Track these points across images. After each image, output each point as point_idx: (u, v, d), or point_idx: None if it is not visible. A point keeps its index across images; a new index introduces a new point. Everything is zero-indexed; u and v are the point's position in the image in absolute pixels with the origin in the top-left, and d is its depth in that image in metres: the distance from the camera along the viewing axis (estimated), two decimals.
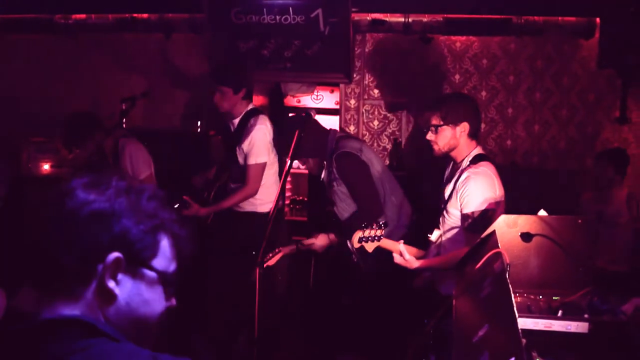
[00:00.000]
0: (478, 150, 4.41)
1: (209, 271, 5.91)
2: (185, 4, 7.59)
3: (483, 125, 7.81)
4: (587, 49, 7.63)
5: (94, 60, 8.47)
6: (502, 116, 7.87)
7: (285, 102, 9.80)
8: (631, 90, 7.42)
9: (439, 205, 4.55)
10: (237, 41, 7.47)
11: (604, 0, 6.73)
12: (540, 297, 3.52)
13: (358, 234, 4.38)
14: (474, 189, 4.17)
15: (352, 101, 8.09)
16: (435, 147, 4.43)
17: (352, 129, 8.05)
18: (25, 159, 7.58)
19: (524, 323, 3.09)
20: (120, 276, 1.66)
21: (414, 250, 4.48)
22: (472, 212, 4.18)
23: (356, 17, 7.37)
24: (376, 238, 4.35)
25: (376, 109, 8.04)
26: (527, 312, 3.33)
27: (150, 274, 1.71)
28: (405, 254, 4.28)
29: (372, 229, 4.35)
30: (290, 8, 7.15)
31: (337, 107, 8.74)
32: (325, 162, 5.35)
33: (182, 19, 7.80)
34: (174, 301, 1.81)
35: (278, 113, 8.79)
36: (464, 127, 4.34)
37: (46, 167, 7.57)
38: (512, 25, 7.35)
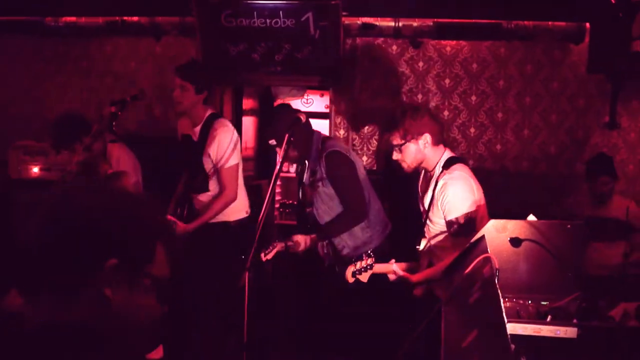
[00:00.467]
0: (448, 154, 4.45)
1: (189, 285, 5.81)
2: (175, 7, 7.57)
3: (473, 130, 7.82)
4: (577, 54, 7.64)
5: (83, 63, 8.44)
6: (492, 121, 7.88)
7: (275, 105, 9.79)
8: (621, 95, 7.44)
9: (421, 216, 4.57)
10: (227, 44, 7.46)
11: (594, 5, 6.74)
12: (529, 302, 3.53)
13: (350, 269, 4.43)
14: (453, 195, 4.20)
15: (342, 105, 8.08)
16: (404, 165, 4.50)
17: (342, 132, 8.05)
18: (14, 162, 7.54)
19: (513, 328, 3.09)
20: (116, 282, 1.65)
21: (405, 265, 4.50)
22: (457, 218, 4.20)
23: (346, 21, 7.36)
24: (369, 267, 4.41)
25: (366, 113, 8.03)
26: (516, 317, 3.33)
27: (146, 280, 1.71)
28: (399, 272, 4.34)
29: (361, 260, 4.43)
30: (281, 12, 7.14)
31: (327, 110, 8.74)
32: (307, 163, 5.31)
33: (172, 22, 7.78)
34: (166, 308, 1.81)
35: (269, 117, 8.78)
36: (426, 138, 4.39)
37: (35, 170, 7.53)
38: (502, 30, 7.36)
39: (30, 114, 8.31)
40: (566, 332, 3.14)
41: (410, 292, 4.68)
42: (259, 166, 9.68)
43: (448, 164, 4.35)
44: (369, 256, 4.41)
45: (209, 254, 5.74)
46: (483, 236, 3.39)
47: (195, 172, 5.84)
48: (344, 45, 7.59)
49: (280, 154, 4.96)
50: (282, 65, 7.51)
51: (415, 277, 4.33)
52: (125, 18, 7.84)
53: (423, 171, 4.61)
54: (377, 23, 7.48)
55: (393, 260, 4.42)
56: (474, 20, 7.41)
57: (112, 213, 1.67)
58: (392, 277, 4.42)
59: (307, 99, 9.91)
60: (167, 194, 6.02)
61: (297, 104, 9.87)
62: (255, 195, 7.65)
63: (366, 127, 8.06)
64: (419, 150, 4.40)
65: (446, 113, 7.86)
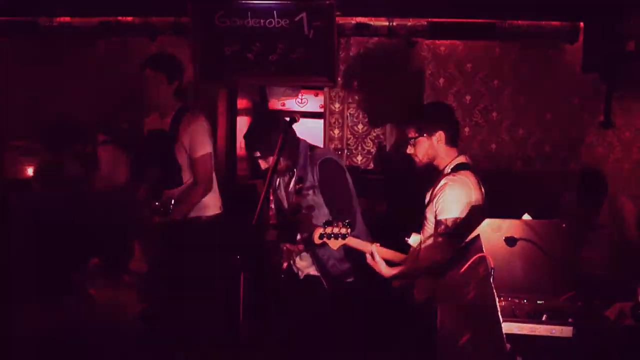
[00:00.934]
0: (461, 159, 4.42)
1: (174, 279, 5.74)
2: (169, 8, 7.56)
3: (467, 130, 7.83)
4: (571, 54, 7.65)
5: (78, 63, 8.42)
6: (487, 120, 7.88)
7: (270, 105, 9.79)
8: (615, 94, 7.45)
9: (422, 211, 4.56)
10: (221, 45, 7.46)
11: (588, 5, 6.75)
12: (525, 301, 3.52)
13: (319, 231, 4.28)
14: (449, 196, 4.18)
15: (337, 104, 8.08)
16: (416, 159, 4.48)
17: (336, 132, 8.05)
18: (8, 162, 7.53)
19: (509, 327, 3.09)
20: (99, 281, 1.67)
21: (390, 253, 4.43)
22: (446, 219, 4.18)
23: (341, 20, 7.36)
24: (340, 235, 4.29)
25: (361, 113, 8.04)
26: (512, 316, 3.33)
27: (126, 276, 1.73)
28: (375, 256, 4.24)
29: (335, 226, 4.28)
30: (275, 12, 7.14)
31: (322, 110, 8.74)
32: (295, 170, 5.16)
33: (166, 22, 7.77)
34: (145, 303, 1.83)
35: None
36: (440, 135, 4.37)
37: (30, 170, 7.51)
38: (496, 30, 7.37)
39: (25, 115, 8.29)
40: (562, 331, 3.13)
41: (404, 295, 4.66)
42: (253, 165, 9.67)
43: (457, 168, 4.34)
44: (344, 225, 4.30)
45: (184, 248, 5.66)
46: (478, 235, 3.39)
47: (168, 166, 5.71)
48: (338, 45, 7.59)
49: (263, 165, 4.92)
50: (277, 65, 7.50)
51: (387, 270, 4.26)
52: (119, 18, 7.84)
53: (435, 172, 4.59)
54: (371, 23, 7.48)
55: (377, 244, 4.34)
56: (468, 20, 7.42)
57: (90, 215, 1.69)
58: (368, 258, 4.32)
59: (301, 99, 9.91)
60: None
61: (292, 103, 9.88)
62: (250, 195, 7.65)
63: (361, 127, 8.06)
64: (431, 146, 4.39)
65: None
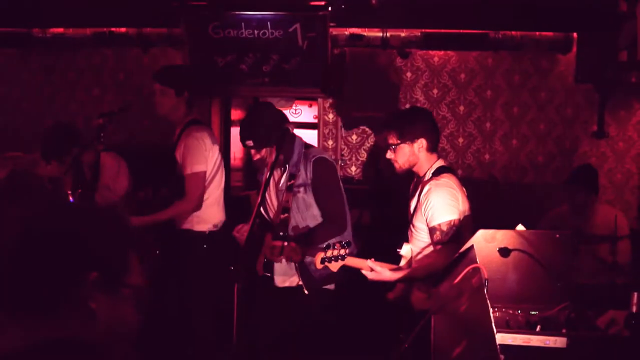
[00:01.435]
0: (440, 163, 4.44)
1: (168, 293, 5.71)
2: (163, 19, 7.55)
3: (461, 140, 7.84)
4: (564, 64, 7.68)
5: (71, 74, 8.43)
6: (480, 131, 7.90)
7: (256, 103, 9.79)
8: (608, 104, 7.47)
9: (407, 220, 4.55)
10: (215, 56, 7.45)
11: (581, 15, 6.77)
12: (519, 312, 3.52)
13: (320, 255, 4.30)
14: (437, 201, 4.19)
15: (331, 115, 8.09)
16: (396, 165, 4.48)
17: (330, 143, 8.06)
18: (1, 174, 7.50)
19: (502, 338, 3.09)
20: (98, 295, 1.67)
21: (385, 265, 4.42)
22: (439, 225, 4.18)
23: (334, 31, 7.36)
24: (340, 257, 4.29)
25: (354, 123, 8.04)
26: (506, 327, 3.33)
27: (124, 289, 1.73)
28: (375, 267, 4.24)
29: (334, 249, 4.27)
30: (269, 23, 7.14)
31: (316, 121, 8.74)
32: (287, 166, 5.10)
33: (160, 33, 7.76)
34: (143, 315, 1.83)
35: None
36: (422, 143, 4.37)
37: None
38: (489, 40, 7.38)
39: (19, 126, 8.29)
40: (555, 341, 3.14)
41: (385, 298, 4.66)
42: (247, 177, 9.67)
43: (438, 172, 4.35)
44: (342, 246, 4.30)
45: (176, 260, 5.64)
46: (472, 246, 3.38)
47: (170, 173, 5.67)
48: (332, 56, 7.59)
49: (254, 156, 4.88)
50: (270, 76, 7.50)
51: (390, 274, 4.26)
52: (112, 29, 7.82)
53: (415, 177, 4.60)
54: (365, 33, 7.48)
55: (372, 259, 4.34)
56: (461, 31, 7.43)
57: (88, 228, 1.68)
58: (368, 274, 4.32)
59: (295, 109, 9.91)
60: (156, 203, 5.97)
61: (286, 114, 9.87)
62: (243, 206, 7.62)
63: (355, 137, 8.07)
64: (412, 153, 4.39)
65: None
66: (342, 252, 4.28)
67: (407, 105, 7.86)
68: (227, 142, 8.86)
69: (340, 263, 4.30)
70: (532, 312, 3.50)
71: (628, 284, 5.49)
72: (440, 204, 4.18)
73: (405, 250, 4.48)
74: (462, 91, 7.89)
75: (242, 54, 7.42)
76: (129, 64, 8.33)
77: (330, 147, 8.00)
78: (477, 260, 3.11)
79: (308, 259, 4.81)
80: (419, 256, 4.42)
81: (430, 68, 7.89)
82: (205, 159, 5.50)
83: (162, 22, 7.64)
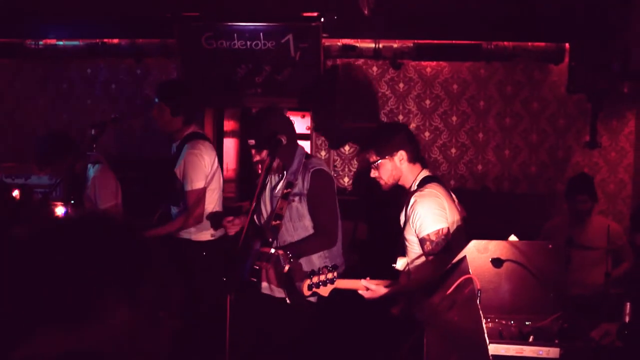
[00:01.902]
0: (425, 173, 4.46)
1: None
2: (156, 29, 7.56)
3: (454, 150, 7.85)
4: (556, 74, 7.70)
5: (64, 85, 8.42)
6: (473, 141, 7.91)
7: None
8: (601, 114, 7.47)
9: (400, 233, 4.56)
10: (207, 66, 7.46)
11: (573, 25, 6.78)
12: (512, 322, 3.52)
13: (306, 283, 4.25)
14: (423, 212, 4.20)
15: (323, 126, 8.08)
16: (382, 182, 4.50)
17: (323, 154, 8.05)
18: None
19: (495, 349, 3.08)
20: (121, 309, 1.66)
21: (380, 282, 4.41)
22: (428, 235, 4.19)
23: (327, 42, 7.38)
24: (328, 281, 4.27)
25: (347, 134, 8.04)
26: (499, 337, 3.32)
27: (150, 305, 1.73)
28: (371, 286, 4.24)
29: (320, 274, 4.26)
30: (261, 33, 7.15)
31: (308, 132, 8.74)
32: (285, 172, 5.08)
33: (152, 44, 7.77)
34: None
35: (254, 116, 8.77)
36: (402, 155, 4.39)
37: (15, 193, 7.46)
38: (482, 51, 7.40)
39: (12, 136, 8.28)
40: (548, 352, 3.14)
41: (390, 314, 4.64)
42: (240, 188, 9.66)
43: (423, 183, 4.36)
44: (329, 270, 4.28)
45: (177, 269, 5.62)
46: (464, 257, 3.38)
47: (171, 186, 5.69)
48: (324, 67, 7.60)
49: (255, 157, 4.88)
50: (263, 86, 7.51)
51: (385, 290, 4.26)
52: (105, 40, 7.83)
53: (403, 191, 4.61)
54: (358, 44, 7.50)
55: (368, 278, 4.33)
56: (453, 41, 7.45)
57: (109, 240, 1.68)
58: (364, 293, 4.31)
59: None
60: (147, 215, 5.97)
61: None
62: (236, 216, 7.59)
63: (347, 148, 8.07)
64: (395, 167, 4.40)
65: (427, 134, 7.89)
66: (330, 275, 4.26)
67: (400, 116, 7.87)
68: (219, 153, 8.85)
69: (330, 287, 4.28)
70: (525, 323, 3.50)
71: (622, 294, 5.49)
72: (426, 214, 4.19)
73: (401, 264, 4.48)
74: (454, 102, 7.90)
75: (235, 64, 7.42)
76: (122, 75, 8.32)
77: (323, 157, 8.00)
78: (470, 270, 3.11)
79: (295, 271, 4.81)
80: (412, 265, 4.42)
81: (422, 79, 7.90)
82: (204, 176, 5.54)
83: (155, 33, 7.65)
